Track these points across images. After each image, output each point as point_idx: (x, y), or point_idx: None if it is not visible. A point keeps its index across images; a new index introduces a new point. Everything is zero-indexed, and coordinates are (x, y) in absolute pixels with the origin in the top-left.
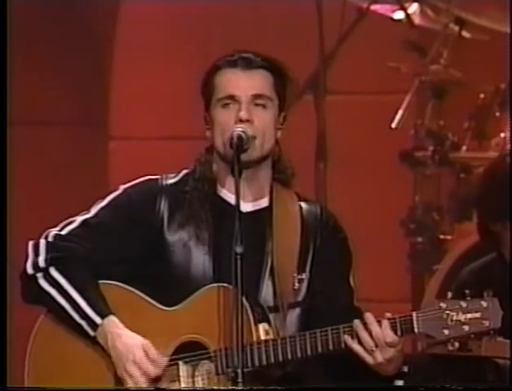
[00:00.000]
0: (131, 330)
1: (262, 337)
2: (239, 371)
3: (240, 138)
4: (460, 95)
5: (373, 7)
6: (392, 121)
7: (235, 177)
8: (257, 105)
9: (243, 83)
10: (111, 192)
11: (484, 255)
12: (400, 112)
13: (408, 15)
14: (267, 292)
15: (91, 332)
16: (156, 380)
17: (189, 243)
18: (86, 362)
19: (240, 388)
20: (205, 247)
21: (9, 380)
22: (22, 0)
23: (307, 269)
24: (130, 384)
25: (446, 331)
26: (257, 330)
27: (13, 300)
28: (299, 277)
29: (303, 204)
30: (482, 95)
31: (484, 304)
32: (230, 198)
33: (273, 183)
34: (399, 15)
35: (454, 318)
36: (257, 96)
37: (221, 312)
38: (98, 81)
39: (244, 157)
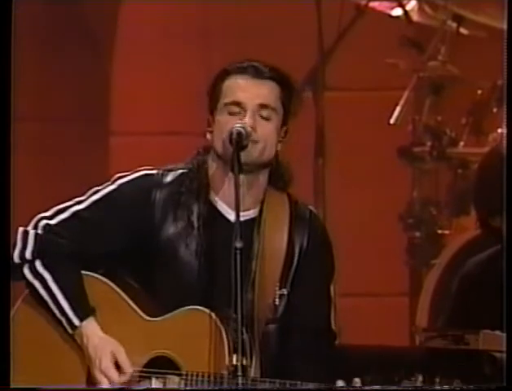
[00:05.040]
0: (109, 331)
1: (236, 366)
2: (238, 364)
3: (239, 134)
4: (457, 91)
5: (372, 4)
6: (390, 117)
7: (234, 173)
8: (262, 116)
9: (251, 91)
10: (106, 183)
11: (482, 249)
12: (398, 108)
13: (406, 12)
14: (246, 305)
15: (70, 331)
16: (123, 387)
17: (178, 246)
18: (64, 348)
19: (240, 387)
20: (194, 253)
21: (12, 380)
22: (26, 0)
23: (288, 284)
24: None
25: None
26: (230, 360)
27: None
28: (280, 293)
29: (294, 211)
30: (479, 91)
31: None
32: (221, 207)
33: (267, 189)
34: (397, 11)
35: None
36: (263, 106)
37: (199, 335)
38: (98, 76)
39: (244, 157)
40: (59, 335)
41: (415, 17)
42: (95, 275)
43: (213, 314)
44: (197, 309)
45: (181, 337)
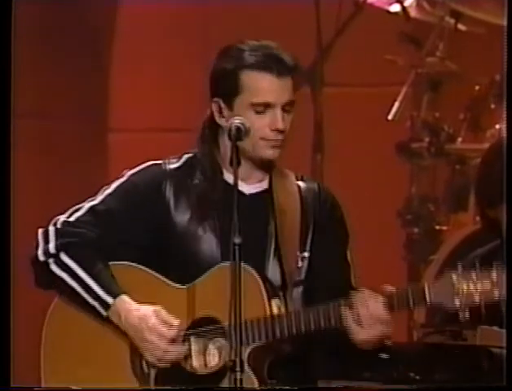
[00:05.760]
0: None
1: (275, 312)
2: (237, 359)
3: (238, 129)
4: (455, 87)
5: (370, 0)
6: (389, 113)
7: (233, 166)
8: (285, 110)
9: (278, 90)
10: (117, 179)
11: (481, 245)
12: (397, 104)
13: (404, 8)
14: (273, 272)
15: (104, 313)
16: (174, 340)
17: (197, 227)
18: (102, 342)
19: (239, 387)
20: (213, 230)
21: (13, 379)
22: (26, 0)
23: (308, 247)
24: (150, 352)
25: (457, 302)
26: (270, 305)
27: (17, 301)
28: (302, 255)
29: (301, 183)
30: (477, 87)
31: (495, 275)
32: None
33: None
34: (395, 7)
35: (465, 288)
36: (288, 103)
37: (233, 288)
38: (97, 74)
39: (270, 156)
40: (95, 327)
41: (413, 13)
42: (120, 262)
43: (245, 265)
44: (228, 263)
45: (217, 294)
